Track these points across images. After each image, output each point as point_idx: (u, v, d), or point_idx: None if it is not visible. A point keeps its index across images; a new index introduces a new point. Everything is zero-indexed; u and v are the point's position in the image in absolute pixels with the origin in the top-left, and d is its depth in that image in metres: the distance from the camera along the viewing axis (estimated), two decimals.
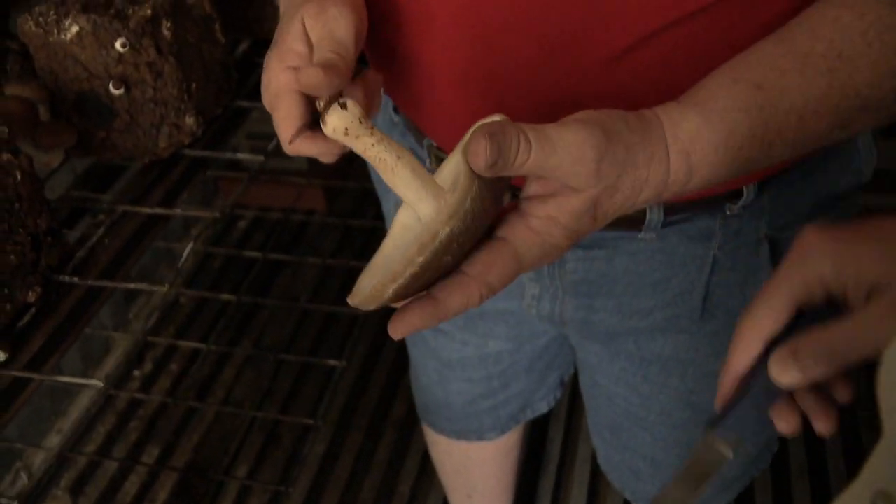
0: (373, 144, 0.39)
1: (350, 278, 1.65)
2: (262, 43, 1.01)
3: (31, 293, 0.66)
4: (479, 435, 0.95)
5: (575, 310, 0.66)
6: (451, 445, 1.02)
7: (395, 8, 0.52)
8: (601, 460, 0.86)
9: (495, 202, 0.40)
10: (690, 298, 0.61)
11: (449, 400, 0.91)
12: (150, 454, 1.39)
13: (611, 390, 0.73)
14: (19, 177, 0.65)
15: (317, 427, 1.25)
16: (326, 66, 0.41)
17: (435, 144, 0.62)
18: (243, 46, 1.00)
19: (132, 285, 0.64)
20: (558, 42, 0.47)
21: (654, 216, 0.56)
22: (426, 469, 1.40)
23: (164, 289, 0.66)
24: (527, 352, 0.83)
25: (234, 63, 0.92)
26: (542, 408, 0.97)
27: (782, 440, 0.83)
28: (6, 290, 0.64)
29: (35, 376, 0.62)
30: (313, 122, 0.44)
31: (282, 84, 0.44)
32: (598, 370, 0.73)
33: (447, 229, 0.37)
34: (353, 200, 1.78)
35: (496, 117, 0.39)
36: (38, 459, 1.29)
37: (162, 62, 0.78)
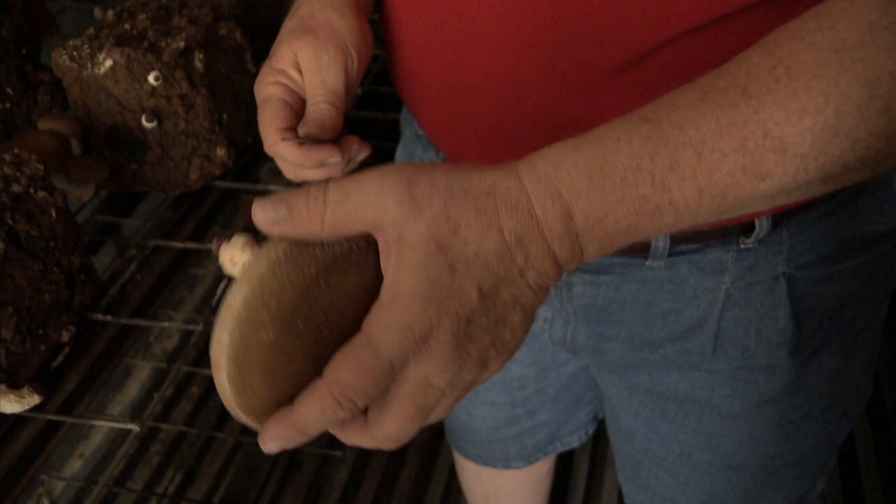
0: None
1: None
2: None
3: (65, 332, 0.65)
4: (506, 463, 0.94)
5: (587, 337, 0.64)
6: (482, 473, 1.01)
7: (415, 30, 0.52)
8: (626, 498, 0.84)
9: (357, 286, 0.36)
10: (702, 333, 0.58)
11: (474, 424, 0.90)
12: (173, 481, 1.37)
13: (630, 426, 0.72)
14: (54, 214, 0.64)
15: (343, 458, 1.24)
16: (320, 127, 0.46)
17: (450, 160, 0.61)
18: None
19: (166, 324, 0.63)
20: (566, 52, 0.46)
21: (659, 243, 0.54)
22: (449, 497, 1.38)
23: (199, 328, 0.64)
24: (552, 380, 0.82)
25: None
26: (573, 442, 0.95)
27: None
28: (41, 331, 0.63)
29: (69, 420, 0.61)
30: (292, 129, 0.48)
31: (269, 92, 0.48)
32: (617, 404, 0.72)
33: (239, 298, 0.34)
34: None
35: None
36: (60, 485, 1.28)
37: (194, 94, 0.77)
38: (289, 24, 0.51)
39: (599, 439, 1.46)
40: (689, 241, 0.54)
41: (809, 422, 0.64)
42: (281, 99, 0.48)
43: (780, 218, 0.53)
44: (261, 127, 0.49)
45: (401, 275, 0.34)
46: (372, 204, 0.34)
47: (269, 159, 0.92)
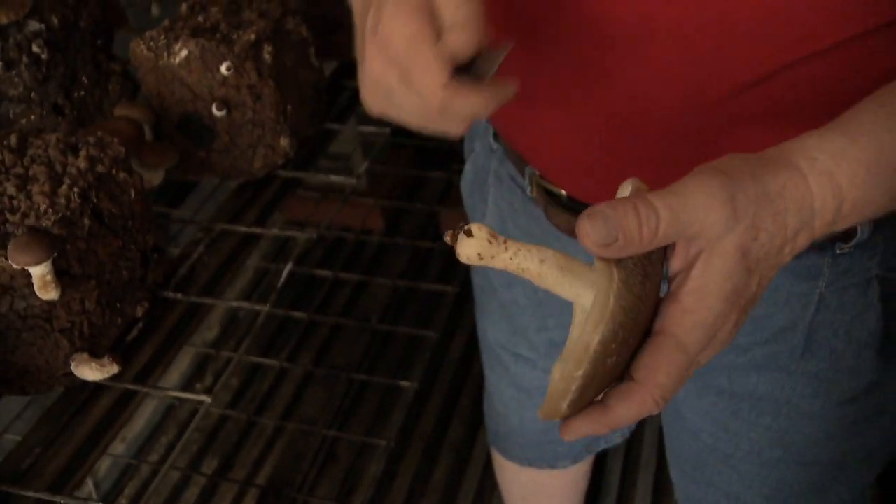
0: (511, 258, 0.37)
1: (417, 299, 1.62)
2: (348, 65, 1.03)
3: (139, 308, 0.68)
4: (552, 463, 0.94)
5: None
6: (521, 472, 1.01)
7: (506, 31, 0.52)
8: (679, 494, 0.84)
9: (655, 287, 0.37)
10: (793, 336, 0.59)
11: (524, 428, 0.90)
12: (209, 466, 1.41)
13: (697, 425, 0.72)
14: (133, 195, 0.67)
15: (389, 447, 1.26)
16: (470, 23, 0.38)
17: (538, 173, 0.62)
18: (330, 70, 1.02)
19: (234, 303, 0.66)
20: (681, 73, 0.47)
21: None
22: (483, 492, 1.40)
23: (266, 308, 0.67)
24: None
25: (325, 87, 0.94)
26: (616, 438, 0.95)
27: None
28: (118, 305, 0.66)
29: (145, 389, 0.63)
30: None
31: (412, 30, 0.39)
32: (685, 403, 0.72)
33: (597, 338, 0.35)
34: (417, 220, 1.79)
35: (629, 185, 0.38)
36: (105, 465, 1.32)
37: (262, 85, 0.80)
38: None
39: (633, 441, 1.47)
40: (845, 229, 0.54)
41: (883, 418, 0.65)
42: (430, 39, 0.39)
43: (880, 223, 0.54)
44: (416, 81, 0.39)
45: (709, 281, 0.37)
46: (700, 220, 0.36)
47: (327, 150, 0.95)
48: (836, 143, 0.38)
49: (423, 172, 1.58)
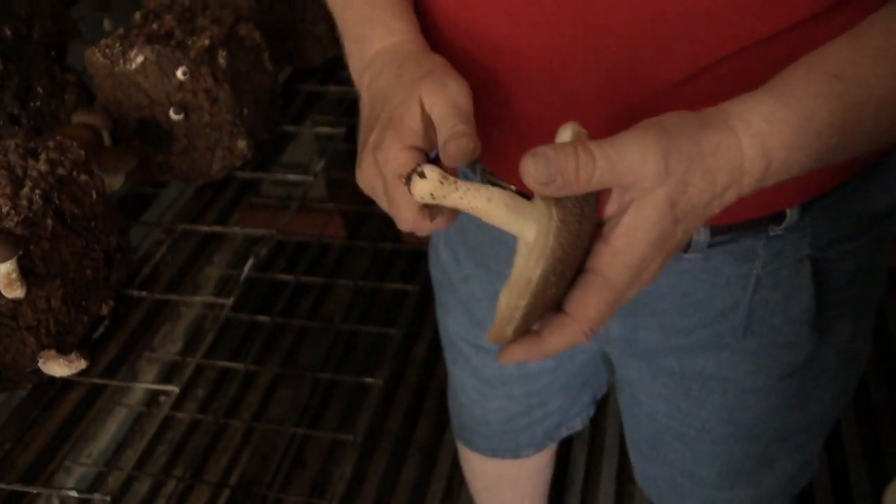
0: (461, 197, 0.40)
1: (377, 299, 1.65)
2: (302, 71, 1.06)
3: (104, 306, 0.70)
4: (515, 453, 0.96)
5: (620, 328, 0.68)
6: (486, 464, 1.03)
7: (455, 38, 0.54)
8: (638, 475, 0.87)
9: (591, 225, 0.41)
10: (734, 316, 0.62)
11: (487, 418, 0.92)
12: (182, 470, 1.41)
13: (651, 407, 0.75)
14: (94, 196, 0.69)
15: (353, 442, 1.28)
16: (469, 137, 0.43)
17: (487, 170, 0.65)
18: (284, 75, 1.05)
19: (198, 298, 0.68)
20: (622, 69, 0.49)
21: (700, 237, 0.58)
22: (451, 490, 1.42)
23: (230, 301, 0.69)
24: (566, 369, 0.85)
25: (280, 90, 0.97)
26: (577, 425, 0.97)
27: (843, 461, 0.84)
28: (83, 303, 0.67)
29: (113, 382, 0.65)
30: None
31: (402, 163, 0.45)
32: (639, 387, 0.75)
33: (538, 272, 0.39)
34: (377, 223, 1.82)
35: (568, 129, 0.41)
36: (79, 471, 1.32)
37: (218, 89, 0.82)
38: (379, 85, 0.49)
39: (596, 429, 1.50)
40: (726, 232, 0.58)
41: (821, 390, 0.68)
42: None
43: (806, 205, 0.57)
44: (395, 205, 0.46)
45: (638, 227, 0.40)
46: (635, 170, 0.39)
47: (284, 152, 0.98)
48: (769, 105, 0.41)
49: None
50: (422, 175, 0.40)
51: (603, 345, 0.73)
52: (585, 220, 0.40)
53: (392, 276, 1.69)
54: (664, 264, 0.42)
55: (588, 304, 0.41)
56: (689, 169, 0.40)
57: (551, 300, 0.41)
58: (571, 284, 0.42)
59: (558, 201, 0.39)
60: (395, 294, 1.62)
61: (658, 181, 0.39)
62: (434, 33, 0.54)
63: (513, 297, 0.40)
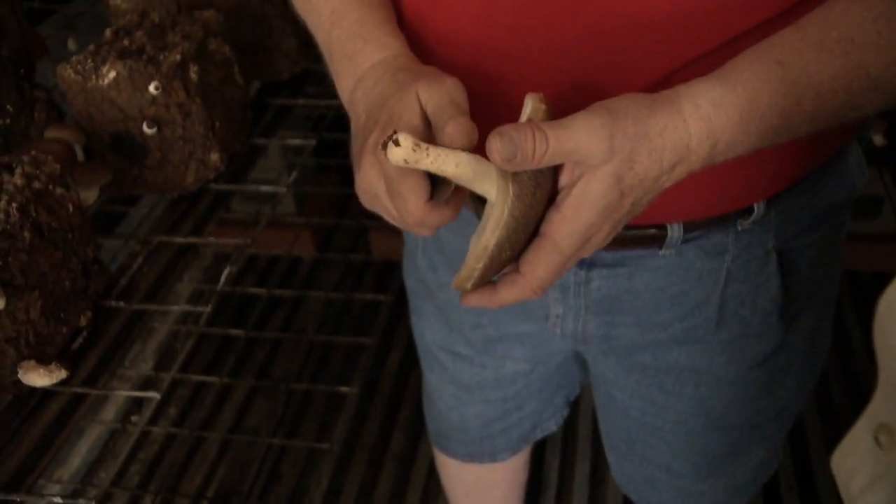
0: (432, 163, 0.43)
1: (350, 310, 1.66)
2: (272, 85, 1.07)
3: (82, 317, 0.71)
4: (493, 457, 0.97)
5: (597, 327, 0.69)
6: (463, 469, 1.03)
7: (433, 46, 0.56)
8: (616, 474, 0.88)
9: (545, 194, 0.45)
10: (706, 309, 0.65)
11: (465, 424, 0.93)
12: (158, 484, 1.41)
13: (626, 403, 0.77)
14: (71, 209, 0.70)
15: (330, 451, 1.29)
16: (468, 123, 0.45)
17: None
18: (254, 88, 1.06)
19: (175, 307, 0.69)
20: (597, 69, 0.51)
21: (674, 234, 0.60)
22: (428, 501, 1.43)
23: (208, 308, 0.71)
24: (541, 373, 0.86)
25: (250, 103, 0.98)
26: (551, 427, 0.98)
27: (805, 445, 0.87)
28: (62, 314, 0.68)
29: (93, 391, 0.66)
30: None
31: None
32: (614, 385, 0.77)
33: (493, 241, 0.44)
34: (346, 238, 1.83)
35: (530, 102, 0.45)
36: (56, 489, 1.31)
37: (190, 103, 0.84)
38: (376, 94, 0.50)
39: (569, 432, 1.53)
40: (698, 228, 0.60)
41: (789, 378, 0.71)
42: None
43: (772, 199, 0.60)
44: (401, 201, 0.46)
45: (585, 198, 0.44)
46: (581, 150, 0.43)
47: (256, 165, 0.99)
48: (717, 90, 0.45)
49: (349, 192, 1.62)
50: (396, 143, 0.43)
51: (579, 345, 0.74)
52: (539, 191, 0.45)
53: (364, 287, 1.70)
54: (613, 231, 0.47)
55: (538, 265, 0.46)
56: (634, 148, 0.43)
57: (508, 260, 0.46)
58: (528, 245, 0.46)
59: (515, 176, 0.44)
60: (368, 305, 1.64)
61: (604, 159, 0.43)
62: (414, 46, 0.56)
63: (472, 259, 0.45)
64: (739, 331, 0.66)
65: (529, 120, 0.44)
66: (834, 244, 0.67)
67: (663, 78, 0.50)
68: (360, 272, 1.75)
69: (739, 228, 0.61)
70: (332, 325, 1.65)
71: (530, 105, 0.45)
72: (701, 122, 0.44)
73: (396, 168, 0.45)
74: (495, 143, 0.42)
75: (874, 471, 0.34)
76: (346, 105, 0.55)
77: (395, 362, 1.63)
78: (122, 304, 0.74)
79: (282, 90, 1.07)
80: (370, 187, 0.49)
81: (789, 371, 0.71)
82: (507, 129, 0.42)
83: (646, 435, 0.78)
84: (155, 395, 0.62)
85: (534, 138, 0.42)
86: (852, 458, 0.36)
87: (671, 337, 0.67)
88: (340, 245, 1.80)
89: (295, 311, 1.68)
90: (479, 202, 0.47)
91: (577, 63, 0.51)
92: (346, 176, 1.74)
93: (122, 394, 0.71)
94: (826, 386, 1.53)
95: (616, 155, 0.43)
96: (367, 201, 0.51)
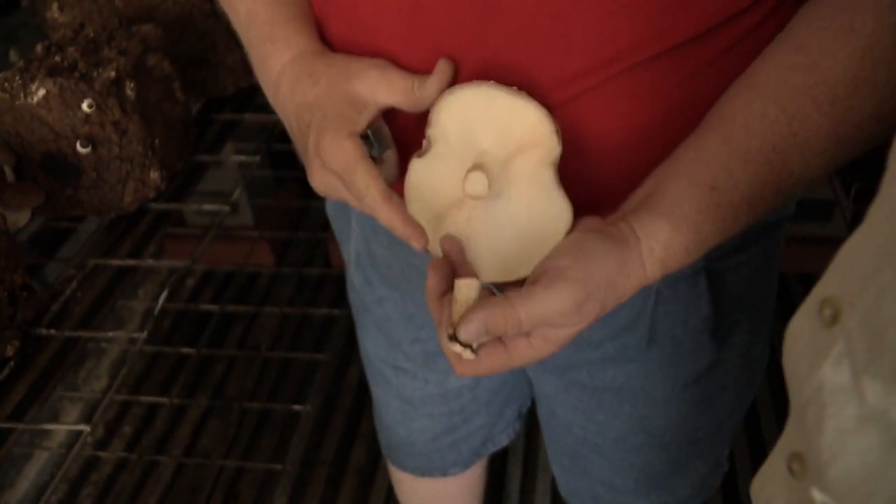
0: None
1: (307, 325, 1.64)
2: (216, 101, 1.05)
3: (9, 347, 0.68)
4: (443, 471, 0.96)
5: None
6: (417, 483, 1.02)
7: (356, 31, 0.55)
8: (562, 487, 0.88)
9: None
10: (637, 329, 0.65)
11: (412, 438, 0.92)
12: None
13: (568, 419, 0.77)
14: None
15: (284, 472, 1.26)
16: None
17: None
18: (198, 105, 1.04)
19: (110, 333, 0.66)
20: (517, 65, 0.50)
21: None
22: None
23: (143, 335, 0.68)
24: (486, 387, 0.86)
25: (192, 120, 0.96)
26: (503, 441, 0.98)
27: (731, 460, 0.88)
28: None
29: (20, 426, 0.63)
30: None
31: (349, 151, 0.48)
32: (555, 401, 0.77)
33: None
34: (304, 250, 1.81)
35: (475, 289, 0.46)
36: None
37: (126, 120, 0.81)
38: (298, 98, 0.52)
39: (531, 445, 1.52)
40: None
41: (726, 393, 0.71)
42: (365, 157, 0.49)
43: None
44: (360, 188, 0.49)
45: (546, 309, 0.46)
46: (554, 320, 0.45)
47: (198, 183, 0.97)
48: (665, 232, 0.47)
49: (306, 203, 1.60)
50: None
51: None
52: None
53: (324, 299, 1.68)
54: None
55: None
56: (605, 307, 0.46)
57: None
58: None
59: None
60: (327, 319, 1.61)
61: (574, 323, 0.46)
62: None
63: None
64: (672, 350, 0.66)
65: (504, 295, 0.45)
66: (767, 262, 0.67)
67: (575, 95, 0.50)
68: (319, 286, 1.72)
69: None
70: (290, 340, 1.62)
71: (475, 290, 0.46)
72: (656, 265, 0.47)
73: (350, 155, 0.48)
74: (472, 329, 0.44)
75: (789, 499, 0.34)
76: (274, 107, 0.56)
77: (354, 376, 1.61)
78: (53, 331, 0.71)
79: (227, 105, 1.04)
80: (327, 187, 0.51)
81: (725, 387, 0.71)
82: (484, 317, 0.44)
83: (587, 451, 0.78)
84: (85, 428, 0.60)
85: (506, 323, 0.44)
86: (770, 487, 0.36)
87: (604, 356, 0.67)
88: (299, 257, 1.78)
89: (251, 326, 1.65)
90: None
91: (500, 48, 0.50)
92: (304, 187, 1.73)
93: (50, 427, 0.68)
94: (781, 377, 1.54)
95: (585, 321, 0.46)
96: (330, 196, 0.53)
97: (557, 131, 0.47)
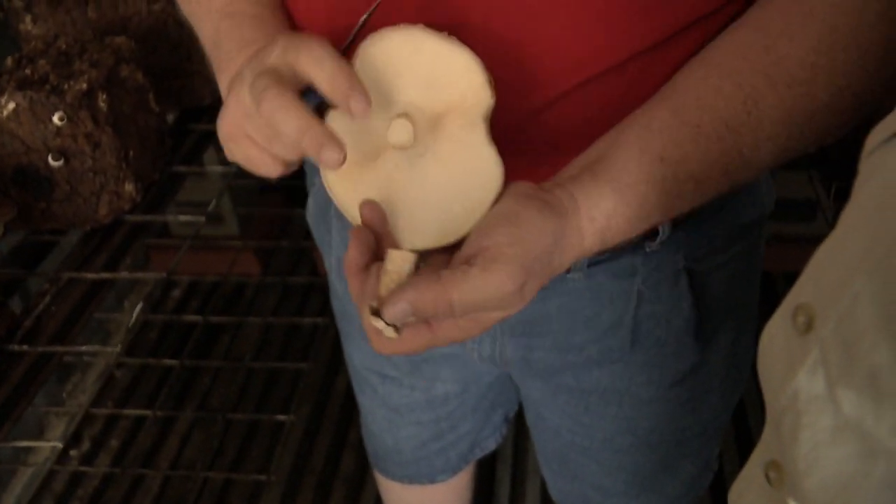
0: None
1: (294, 334, 1.63)
2: (191, 111, 1.04)
3: None
4: (431, 478, 0.96)
5: (514, 350, 0.69)
6: (404, 491, 1.02)
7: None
8: (552, 491, 0.88)
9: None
10: (620, 330, 0.64)
11: (399, 446, 0.92)
12: None
13: (555, 423, 0.76)
14: None
15: (269, 482, 1.25)
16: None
17: None
18: (173, 115, 1.03)
19: (84, 348, 0.66)
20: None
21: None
22: None
23: (118, 349, 0.68)
24: (473, 392, 0.85)
25: (168, 130, 0.95)
26: (490, 445, 0.97)
27: (721, 460, 0.88)
28: None
29: None
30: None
31: (271, 70, 0.43)
32: (542, 405, 0.76)
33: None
34: (289, 259, 1.80)
35: (409, 261, 0.43)
36: None
37: (99, 133, 0.81)
38: (250, 66, 0.47)
39: (519, 448, 1.51)
40: (604, 251, 0.58)
41: (711, 394, 0.71)
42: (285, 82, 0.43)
43: (678, 220, 0.59)
44: (280, 118, 0.42)
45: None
46: (491, 303, 0.43)
47: (176, 193, 0.96)
48: (609, 202, 0.45)
49: (291, 211, 1.60)
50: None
51: (501, 367, 0.74)
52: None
53: (309, 309, 1.67)
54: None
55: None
56: (540, 276, 0.44)
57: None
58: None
59: None
60: (313, 328, 1.61)
61: (513, 303, 0.44)
62: None
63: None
64: (656, 351, 0.66)
65: (438, 276, 0.42)
66: (749, 262, 0.67)
67: (542, 107, 0.50)
68: (305, 294, 1.72)
69: (648, 250, 0.60)
70: (277, 349, 1.61)
71: (409, 264, 0.43)
72: (595, 236, 0.45)
73: (271, 78, 0.42)
74: (398, 309, 0.41)
75: None
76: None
77: (342, 384, 1.60)
78: (25, 347, 0.70)
79: (205, 114, 1.04)
80: (236, 128, 0.46)
81: (711, 387, 0.71)
82: (414, 298, 0.41)
83: (576, 454, 0.77)
84: (57, 444, 0.59)
85: (435, 305, 0.41)
86: (748, 495, 0.35)
87: (588, 359, 0.67)
88: (282, 267, 1.77)
89: (237, 336, 1.65)
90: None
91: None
92: (290, 195, 1.72)
93: (20, 444, 0.68)
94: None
95: (525, 300, 0.44)
96: (231, 148, 0.48)
97: (490, 81, 0.43)
